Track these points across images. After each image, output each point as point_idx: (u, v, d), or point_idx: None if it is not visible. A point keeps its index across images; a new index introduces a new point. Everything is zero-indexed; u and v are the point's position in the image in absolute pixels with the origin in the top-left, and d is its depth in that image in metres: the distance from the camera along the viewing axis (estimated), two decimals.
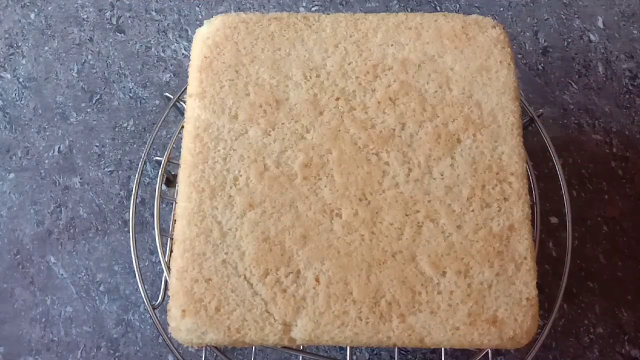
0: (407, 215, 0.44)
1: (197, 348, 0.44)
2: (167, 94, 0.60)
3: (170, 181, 0.63)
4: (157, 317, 0.48)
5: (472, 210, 0.44)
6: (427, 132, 0.45)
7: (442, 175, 0.45)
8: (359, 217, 0.44)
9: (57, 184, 0.73)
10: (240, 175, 0.44)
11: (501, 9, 0.80)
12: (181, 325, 0.42)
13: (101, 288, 0.69)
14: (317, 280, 0.42)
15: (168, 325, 0.43)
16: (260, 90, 0.46)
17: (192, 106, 0.46)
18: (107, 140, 0.75)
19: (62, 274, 0.69)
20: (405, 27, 0.48)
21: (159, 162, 0.49)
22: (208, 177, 0.44)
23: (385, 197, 0.44)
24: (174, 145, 0.51)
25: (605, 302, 0.67)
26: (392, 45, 0.48)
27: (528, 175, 0.46)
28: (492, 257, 0.43)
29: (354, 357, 0.65)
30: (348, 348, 0.50)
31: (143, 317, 0.67)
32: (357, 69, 0.47)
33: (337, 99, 0.46)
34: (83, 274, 0.69)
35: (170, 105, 0.51)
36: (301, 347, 0.52)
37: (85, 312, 0.68)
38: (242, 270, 0.42)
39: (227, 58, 0.47)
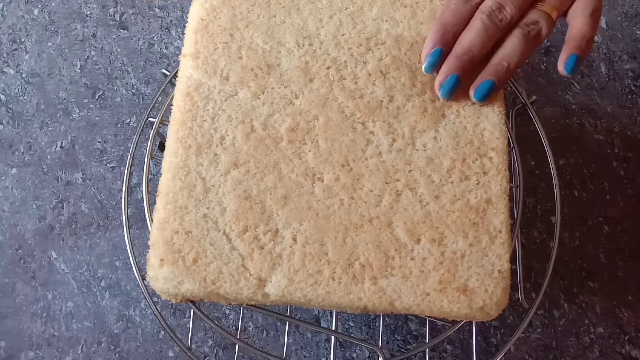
0: (387, 183, 0.44)
1: (175, 302, 0.45)
2: (164, 70, 0.61)
3: (165, 146, 0.63)
4: (158, 311, 0.49)
5: (451, 182, 0.44)
6: (415, 105, 0.46)
7: (424, 147, 0.45)
8: (340, 183, 0.44)
9: (60, 180, 0.74)
10: (228, 135, 0.45)
11: None
12: (159, 275, 0.43)
13: (102, 284, 0.70)
14: (295, 239, 0.43)
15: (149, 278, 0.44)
16: (253, 55, 0.47)
17: (186, 66, 0.47)
18: (109, 137, 0.76)
19: (63, 270, 0.70)
20: (401, 4, 0.49)
21: (152, 124, 0.51)
22: (196, 134, 0.45)
23: (368, 164, 0.45)
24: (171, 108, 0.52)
25: (606, 303, 0.68)
26: (386, 21, 0.49)
27: (514, 157, 0.47)
28: (467, 228, 0.43)
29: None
30: (334, 317, 0.51)
31: (144, 313, 0.68)
32: (351, 40, 0.48)
33: (329, 68, 0.47)
34: (84, 270, 0.70)
35: (167, 81, 0.52)
36: (288, 314, 0.53)
37: (86, 308, 0.69)
38: (222, 226, 0.43)
39: (223, 22, 0.48)
